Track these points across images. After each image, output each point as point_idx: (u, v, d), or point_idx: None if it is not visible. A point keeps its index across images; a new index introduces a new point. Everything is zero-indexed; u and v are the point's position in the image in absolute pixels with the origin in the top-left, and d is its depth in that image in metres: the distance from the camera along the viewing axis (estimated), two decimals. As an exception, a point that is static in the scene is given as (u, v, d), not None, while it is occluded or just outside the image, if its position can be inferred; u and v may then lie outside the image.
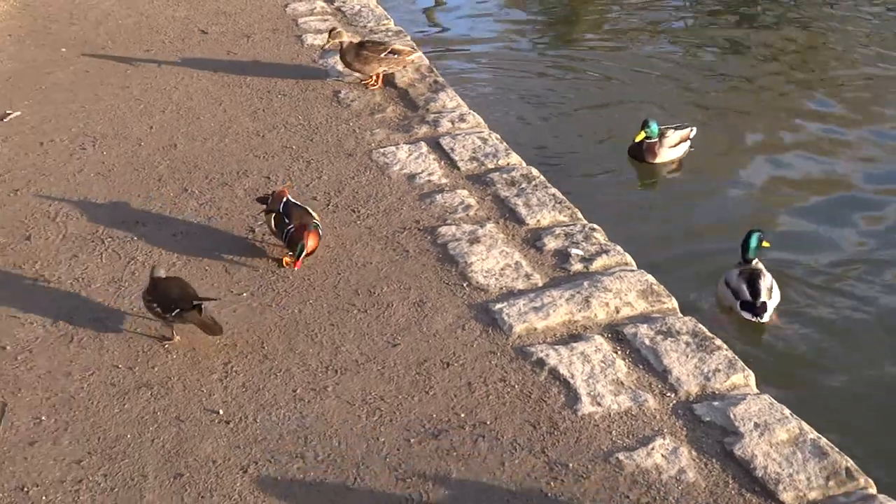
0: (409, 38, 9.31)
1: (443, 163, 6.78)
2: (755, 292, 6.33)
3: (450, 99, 7.84)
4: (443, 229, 5.92)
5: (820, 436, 4.24)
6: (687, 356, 4.76)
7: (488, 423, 4.40)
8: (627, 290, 5.29)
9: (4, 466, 4.23)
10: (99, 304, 5.31)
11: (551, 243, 5.76)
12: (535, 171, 6.61)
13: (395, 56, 7.93)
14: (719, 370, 4.66)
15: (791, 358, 6.00)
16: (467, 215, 6.09)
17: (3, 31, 9.54)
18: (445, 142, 7.04)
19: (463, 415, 4.46)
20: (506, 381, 4.66)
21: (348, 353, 4.88)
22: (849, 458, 4.11)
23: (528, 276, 5.46)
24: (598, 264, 5.57)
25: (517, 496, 4.00)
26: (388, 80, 8.16)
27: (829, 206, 7.80)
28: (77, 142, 7.23)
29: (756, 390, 4.62)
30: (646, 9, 12.49)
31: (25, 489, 4.10)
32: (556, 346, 4.86)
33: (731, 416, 4.35)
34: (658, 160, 8.35)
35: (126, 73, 8.52)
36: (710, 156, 8.59)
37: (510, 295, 5.30)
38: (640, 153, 8.35)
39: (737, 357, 4.76)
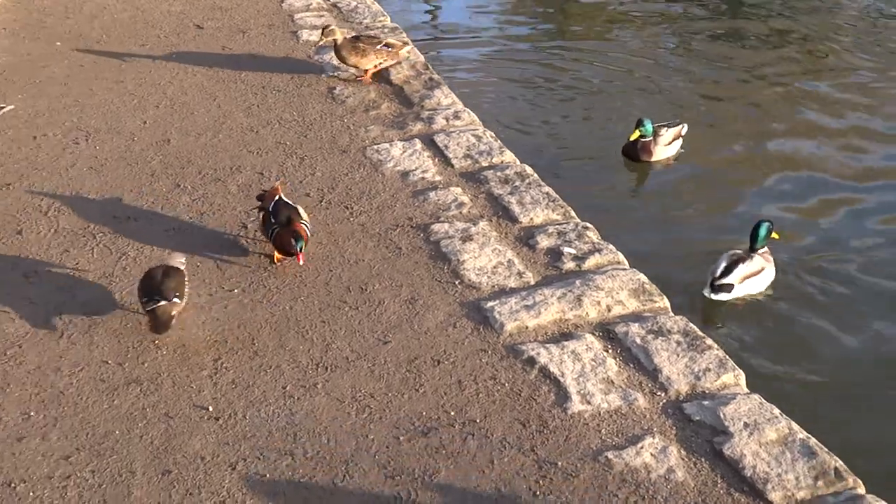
0: (404, 34, 9.30)
1: (437, 160, 6.77)
2: (726, 273, 6.48)
3: (444, 96, 7.83)
4: (436, 227, 5.92)
5: (809, 436, 4.24)
6: (678, 355, 4.75)
7: (478, 421, 4.39)
8: (619, 288, 5.28)
9: (-8, 462, 4.23)
10: (89, 299, 5.30)
11: (544, 241, 5.75)
12: (528, 169, 6.61)
13: (389, 49, 7.95)
14: (710, 369, 4.66)
15: (782, 357, 6.00)
16: (460, 213, 6.08)
17: (-2, 25, 9.54)
18: (440, 139, 7.03)
19: (453, 413, 4.45)
20: (496, 380, 4.65)
21: (339, 351, 4.88)
22: (837, 458, 4.11)
23: (520, 274, 5.45)
24: (590, 263, 5.56)
25: (506, 495, 4.00)
26: (383, 77, 8.15)
27: (823, 202, 7.81)
28: (70, 136, 7.22)
29: (746, 390, 4.61)
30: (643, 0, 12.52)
31: (13, 485, 4.09)
32: (547, 345, 4.85)
33: (721, 415, 4.35)
34: (654, 159, 8.35)
35: (120, 67, 8.51)
36: (702, 153, 8.60)
37: (502, 293, 5.30)
38: (635, 152, 8.35)
39: (727, 356, 4.76)
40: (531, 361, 4.74)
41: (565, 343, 4.86)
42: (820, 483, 4.00)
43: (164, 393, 4.60)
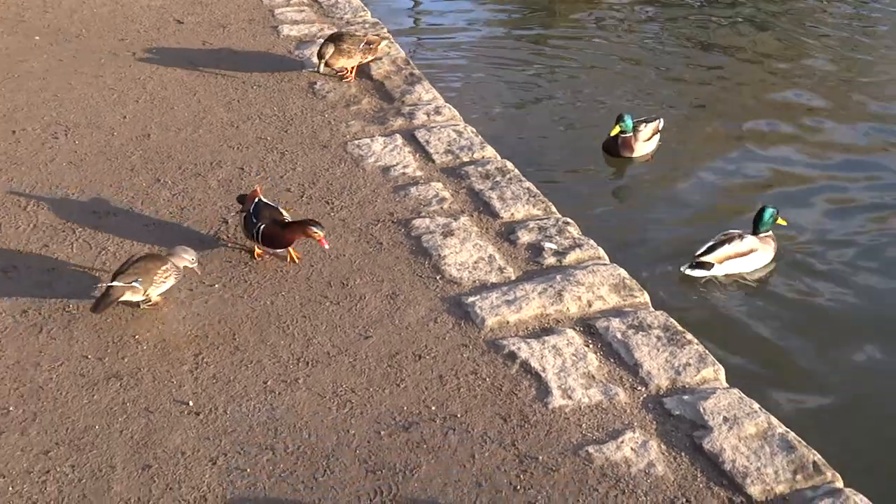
0: (385, 29, 9.28)
1: (418, 155, 6.77)
2: (710, 251, 6.62)
3: (426, 91, 7.83)
4: (417, 222, 5.92)
5: (788, 430, 4.27)
6: (658, 350, 4.77)
7: (459, 415, 4.40)
8: (600, 284, 5.30)
9: (-29, 457, 4.20)
10: (69, 294, 5.27)
11: (525, 237, 5.76)
12: (509, 165, 6.61)
13: (370, 46, 7.96)
14: (690, 364, 4.68)
15: (763, 350, 6.02)
16: (441, 208, 6.09)
17: (-24, 19, 9.46)
18: (421, 134, 7.03)
19: (434, 407, 4.45)
20: (477, 374, 4.66)
21: (320, 346, 4.87)
22: (816, 452, 4.14)
23: (501, 269, 5.46)
24: (571, 258, 5.58)
25: (486, 489, 4.01)
26: (364, 73, 8.14)
27: (806, 195, 7.84)
28: (49, 131, 7.17)
29: (726, 384, 4.64)
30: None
31: (-8, 480, 4.08)
32: (528, 340, 4.86)
33: (701, 409, 4.37)
34: (634, 154, 8.37)
35: (100, 62, 8.46)
36: (681, 148, 8.63)
37: (483, 288, 5.30)
38: (615, 148, 8.36)
39: (707, 351, 4.79)
40: (512, 356, 4.75)
41: (546, 338, 4.87)
42: (799, 477, 4.03)
43: (145, 388, 4.59)
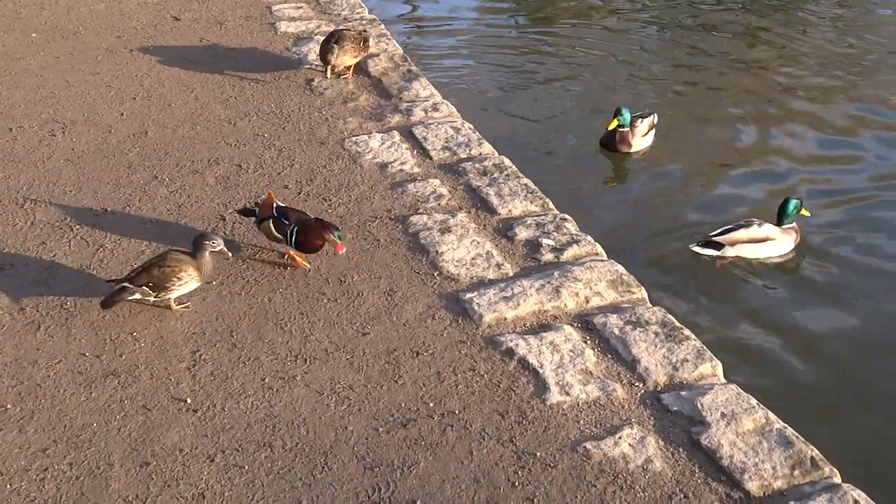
0: (382, 25, 9.28)
1: (415, 152, 6.77)
2: (723, 234, 6.75)
3: (423, 88, 7.83)
4: (414, 218, 5.92)
5: (786, 425, 4.27)
6: (656, 346, 4.77)
7: (457, 412, 4.40)
8: (597, 280, 5.30)
9: (-31, 455, 4.20)
10: (67, 291, 5.27)
11: (522, 233, 5.76)
12: (507, 161, 6.61)
13: (366, 43, 7.97)
14: (687, 360, 4.68)
15: (761, 346, 6.03)
16: (439, 205, 6.09)
17: (-27, 16, 9.45)
18: (418, 131, 7.03)
19: (432, 404, 4.45)
20: (475, 371, 4.66)
21: (317, 342, 4.87)
22: (814, 448, 4.14)
23: (498, 265, 5.46)
24: (568, 254, 5.58)
25: (484, 485, 4.01)
26: (362, 69, 8.13)
27: (805, 190, 7.85)
28: (46, 128, 7.17)
29: (724, 380, 4.64)
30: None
31: (-10, 478, 4.08)
32: (526, 336, 4.86)
33: (699, 405, 4.37)
34: (632, 150, 8.37)
35: (97, 59, 8.45)
36: (680, 142, 8.63)
37: (481, 284, 5.30)
38: (613, 143, 8.36)
39: (705, 347, 4.79)
40: (510, 353, 4.75)
41: (544, 334, 4.87)
42: (797, 472, 4.03)
43: (142, 385, 4.59)
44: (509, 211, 6.03)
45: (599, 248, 5.67)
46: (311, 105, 7.55)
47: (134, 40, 8.87)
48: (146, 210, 6.06)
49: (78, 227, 5.88)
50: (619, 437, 4.23)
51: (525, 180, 6.36)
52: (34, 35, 8.98)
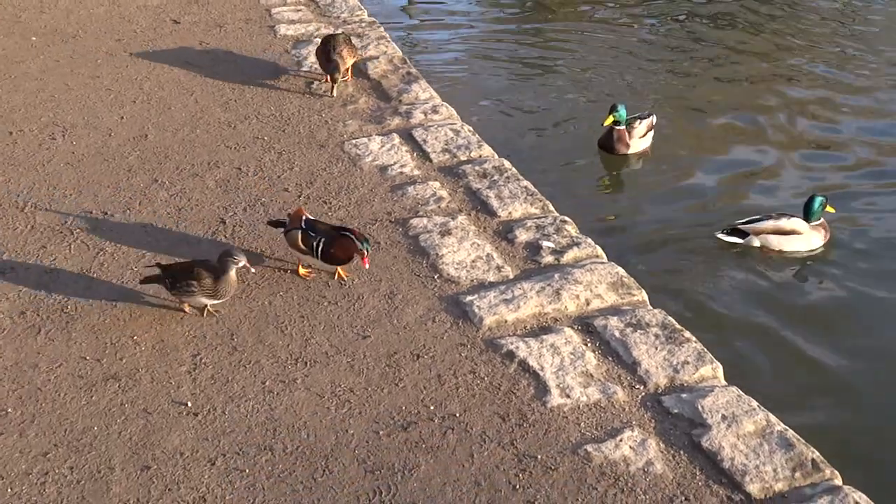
0: (381, 28, 9.28)
1: (415, 154, 6.77)
2: (749, 223, 6.89)
3: (422, 90, 7.83)
4: (414, 221, 5.92)
5: (787, 428, 4.27)
6: (656, 348, 4.77)
7: (458, 415, 4.40)
8: (598, 282, 5.30)
9: (-31, 459, 4.20)
10: (67, 295, 5.27)
11: (522, 235, 5.76)
12: (507, 164, 6.61)
13: (352, 42, 7.97)
14: (688, 362, 4.68)
15: (762, 348, 6.02)
16: (439, 207, 6.09)
17: (-27, 20, 9.45)
18: (418, 133, 7.03)
19: (432, 407, 4.45)
20: (475, 374, 4.66)
21: (318, 345, 4.87)
22: (815, 450, 4.14)
23: (499, 268, 5.46)
24: (568, 257, 5.58)
25: (485, 488, 4.01)
26: (361, 72, 8.13)
27: (806, 190, 7.84)
28: (46, 132, 7.17)
29: (724, 382, 4.64)
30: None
31: (-9, 482, 4.08)
32: (527, 339, 4.86)
33: (700, 408, 4.37)
34: (630, 151, 8.37)
35: (97, 62, 8.45)
36: (676, 144, 8.63)
37: (481, 287, 5.30)
38: (611, 144, 8.35)
39: (706, 349, 4.79)
40: (510, 355, 4.75)
41: (544, 337, 4.87)
42: (798, 474, 4.03)
43: (143, 389, 4.59)
44: (509, 213, 6.03)
45: (600, 251, 5.67)
46: (311, 108, 7.55)
47: (133, 44, 8.87)
48: (146, 213, 6.06)
49: (78, 230, 5.88)
50: (620, 440, 4.23)
51: (525, 182, 6.36)
52: (34, 38, 8.98)
